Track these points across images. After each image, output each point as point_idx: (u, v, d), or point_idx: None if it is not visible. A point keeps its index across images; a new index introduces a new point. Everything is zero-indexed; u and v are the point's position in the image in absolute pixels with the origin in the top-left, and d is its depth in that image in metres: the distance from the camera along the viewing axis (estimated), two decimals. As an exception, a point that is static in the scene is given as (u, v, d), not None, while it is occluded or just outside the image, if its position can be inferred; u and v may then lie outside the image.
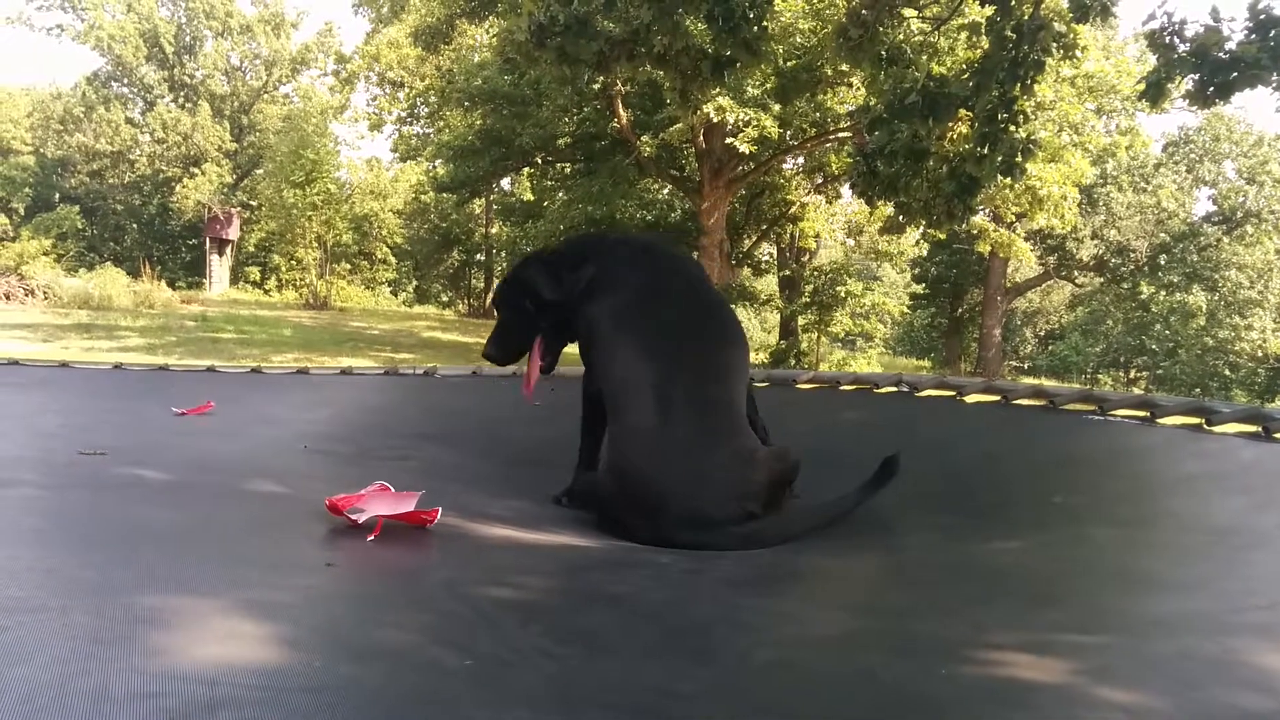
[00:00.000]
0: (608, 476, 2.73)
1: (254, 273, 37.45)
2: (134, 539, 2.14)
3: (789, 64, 17.47)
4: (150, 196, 40.53)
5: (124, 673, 1.32)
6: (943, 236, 21.59)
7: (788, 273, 26.78)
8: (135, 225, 40.94)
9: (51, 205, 38.42)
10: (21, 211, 38.71)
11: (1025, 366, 38.34)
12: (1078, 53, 11.28)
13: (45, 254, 28.16)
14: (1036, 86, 10.48)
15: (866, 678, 1.55)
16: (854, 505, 2.79)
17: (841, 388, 4.94)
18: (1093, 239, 32.30)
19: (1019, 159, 9.99)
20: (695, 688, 1.47)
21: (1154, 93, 9.61)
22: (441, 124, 29.00)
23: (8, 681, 1.24)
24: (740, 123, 16.77)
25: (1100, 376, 34.07)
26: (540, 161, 24.52)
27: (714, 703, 1.42)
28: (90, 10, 39.74)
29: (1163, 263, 32.28)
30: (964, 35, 13.57)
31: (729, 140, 17.61)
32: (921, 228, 16.75)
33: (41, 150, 42.98)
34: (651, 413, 2.73)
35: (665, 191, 24.87)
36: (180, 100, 41.80)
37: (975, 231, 21.79)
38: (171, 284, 31.41)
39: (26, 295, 25.44)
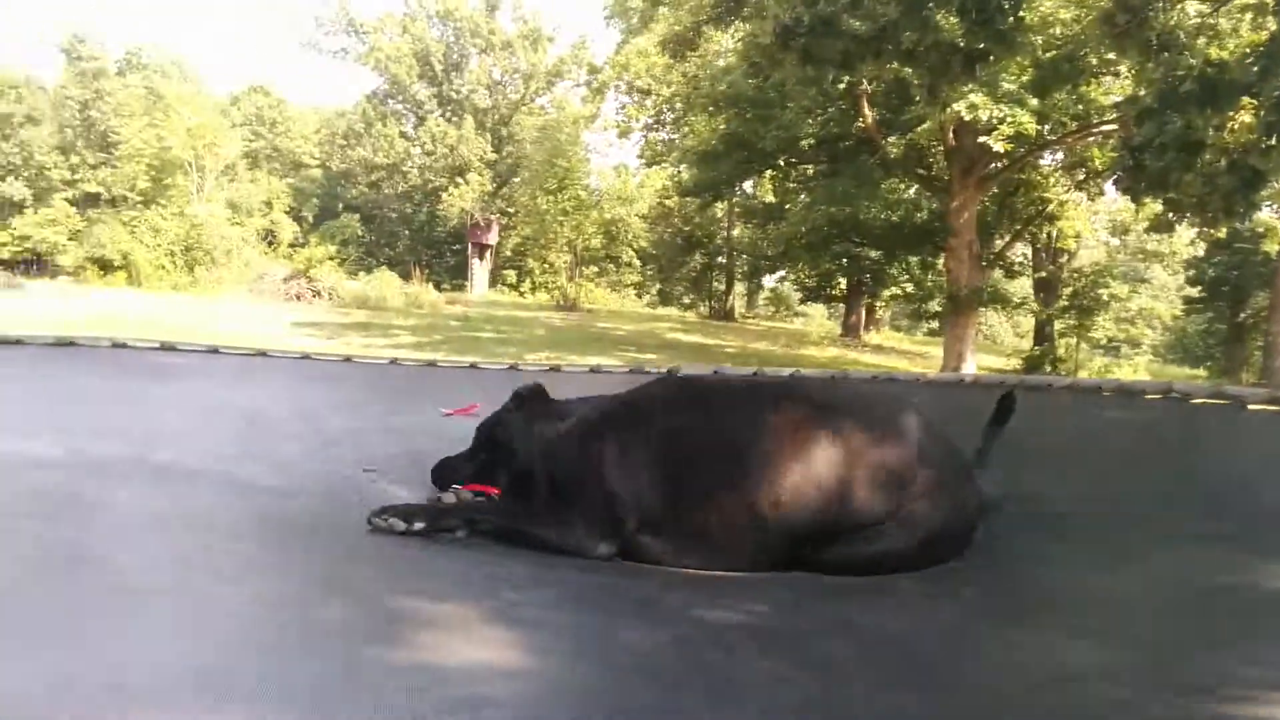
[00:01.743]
0: None
1: (510, 276, 39.42)
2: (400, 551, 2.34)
3: (1048, 55, 16.51)
4: (420, 205, 43.58)
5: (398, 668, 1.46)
6: (1222, 235, 19.77)
7: (1044, 274, 25.36)
8: (407, 232, 44.14)
9: (335, 214, 42.07)
10: (310, 220, 42.59)
11: (1321, 378, 34.43)
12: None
13: (330, 259, 30.84)
14: (1335, 69, 9.41)
15: (1121, 716, 1.46)
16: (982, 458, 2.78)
17: (1104, 394, 4.65)
18: None
19: (1314, 148, 9.02)
20: (935, 716, 1.44)
21: None
22: (686, 129, 29.43)
23: (301, 671, 1.40)
24: (994, 120, 15.99)
25: None
26: (783, 164, 24.38)
27: None
28: (371, 33, 43.33)
29: None
30: (1248, 16, 12.35)
31: (981, 139, 16.85)
32: (1196, 226, 15.40)
33: (327, 164, 47.20)
34: None
35: (911, 191, 24.13)
36: (447, 114, 44.65)
37: (1261, 229, 19.81)
38: (438, 286, 33.54)
39: (314, 296, 27.93)
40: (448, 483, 2.84)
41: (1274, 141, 8.96)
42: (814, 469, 2.42)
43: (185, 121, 31.85)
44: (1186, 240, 24.68)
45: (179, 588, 1.72)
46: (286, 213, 39.62)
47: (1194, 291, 32.78)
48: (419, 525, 2.41)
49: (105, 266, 29.80)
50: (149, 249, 30.13)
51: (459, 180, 40.57)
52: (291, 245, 36.11)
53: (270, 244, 35.78)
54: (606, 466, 2.53)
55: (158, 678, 1.32)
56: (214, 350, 6.20)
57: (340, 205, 43.80)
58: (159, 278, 29.68)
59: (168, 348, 6.02)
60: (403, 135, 44.91)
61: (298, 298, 27.79)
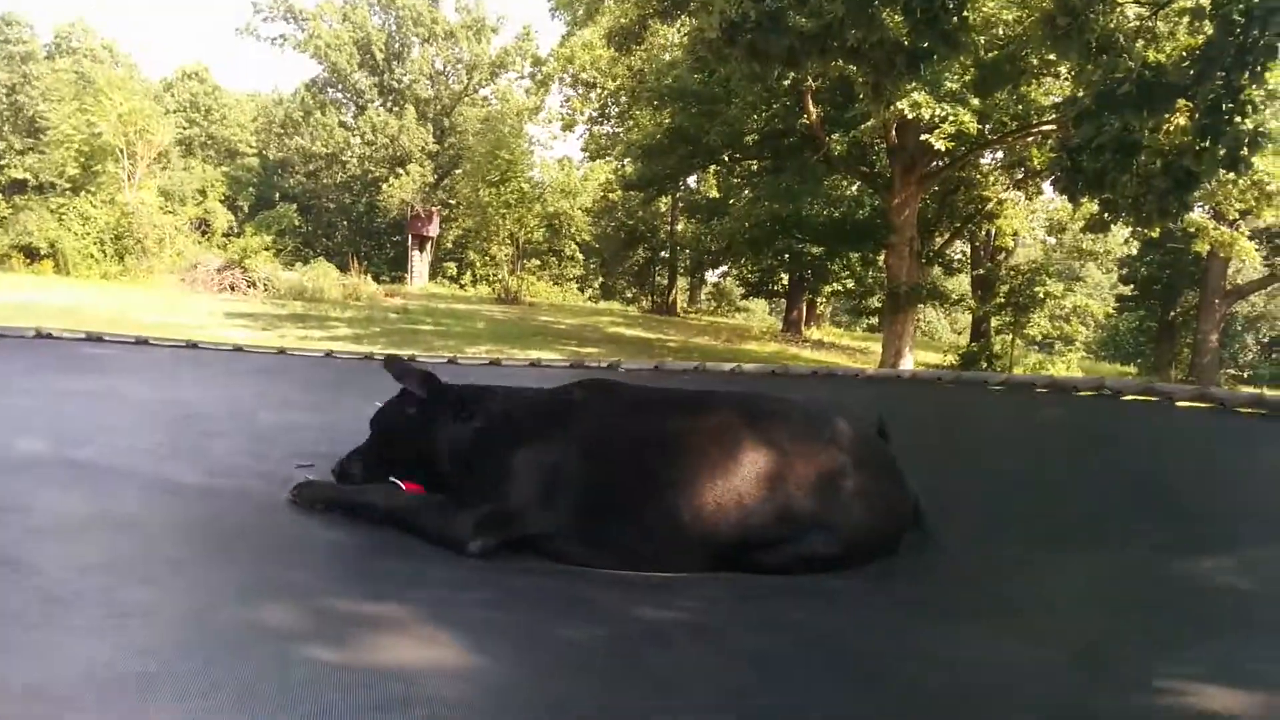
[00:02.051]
0: None
1: (451, 268, 39.18)
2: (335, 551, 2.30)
3: (989, 55, 16.78)
4: (359, 195, 43.09)
5: (332, 667, 1.43)
6: (1155, 235, 20.28)
7: (981, 272, 25.81)
8: (345, 222, 43.62)
9: (272, 204, 41.42)
10: (246, 209, 41.87)
11: (1245, 375, 35.48)
12: (1315, 35, 10.33)
13: (266, 249, 30.33)
14: (1267, 74, 9.66)
15: (1050, 711, 1.47)
16: None
17: (1037, 390, 4.72)
18: (1328, 238, 29.57)
19: (1244, 152, 9.24)
20: (869, 714, 1.45)
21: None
22: (631, 123, 29.44)
23: (229, 673, 1.35)
24: (936, 118, 16.21)
25: (1333, 388, 31.19)
26: (727, 159, 24.49)
27: None
28: (310, 20, 42.64)
29: None
30: (1185, 20, 12.65)
31: (923, 137, 17.07)
32: (1130, 226, 15.76)
33: (264, 152, 46.42)
34: None
35: (854, 188, 24.39)
36: (388, 104, 44.18)
37: (1192, 229, 20.31)
38: (376, 278, 33.19)
39: (249, 287, 27.44)
40: (350, 481, 2.78)
41: (1207, 144, 9.17)
42: (740, 473, 2.41)
43: (116, 107, 31.04)
44: (1120, 240, 25.27)
45: (103, 591, 1.67)
46: (221, 201, 38.88)
47: (1127, 290, 33.63)
48: (319, 507, 2.53)
49: (32, 255, 29.03)
50: (78, 237, 29.40)
51: (399, 171, 40.20)
52: (226, 235, 35.49)
53: (204, 233, 35.06)
54: (514, 469, 2.49)
55: (81, 682, 1.27)
56: (143, 341, 6.04)
57: (277, 195, 43.13)
58: (88, 267, 28.99)
59: (94, 338, 5.86)
60: (342, 125, 44.35)
61: (232, 288, 27.29)
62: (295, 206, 40.49)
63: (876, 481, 2.53)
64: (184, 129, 42.97)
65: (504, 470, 2.50)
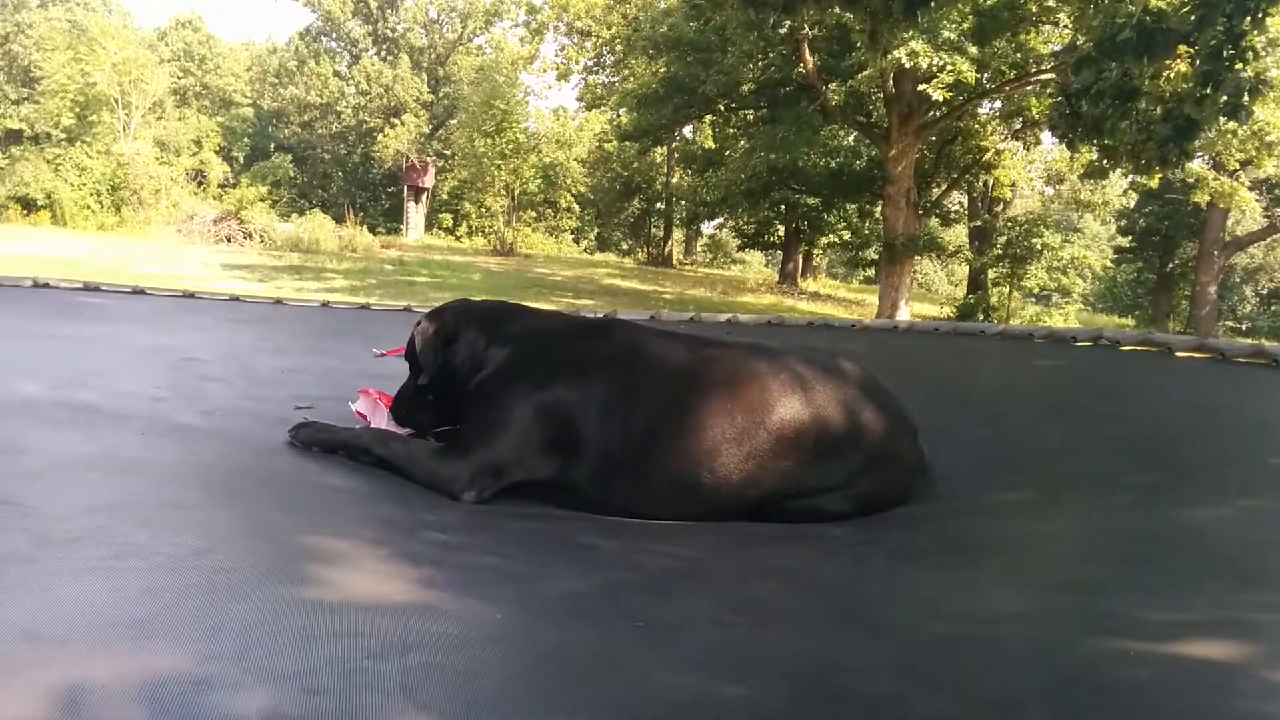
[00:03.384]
0: None
1: (447, 220, 38.92)
2: (333, 495, 2.30)
3: (988, 2, 16.56)
4: (354, 146, 42.70)
5: (330, 612, 1.43)
6: (1154, 185, 20.10)
7: (979, 223, 25.68)
8: (341, 173, 43.27)
9: (267, 154, 41.05)
10: (241, 160, 41.51)
11: (1243, 328, 35.53)
12: (1319, -20, 10.20)
13: (261, 200, 30.11)
14: (1269, 20, 9.55)
15: (1044, 657, 1.47)
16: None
17: (1035, 341, 4.72)
18: (1328, 189, 29.43)
19: (1245, 100, 9.16)
20: (864, 661, 1.45)
21: None
22: (626, 72, 29.12)
23: (228, 616, 1.36)
24: (934, 67, 16.02)
25: (1329, 340, 31.22)
26: (723, 109, 24.26)
27: (882, 676, 1.40)
28: (303, -34, 41.97)
29: None
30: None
31: (921, 86, 16.89)
32: (1129, 175, 15.65)
33: (259, 102, 45.92)
34: None
35: (851, 138, 24.18)
36: (382, 53, 43.64)
37: (1192, 180, 20.18)
38: (372, 229, 32.99)
39: (245, 238, 27.29)
40: (413, 424, 2.76)
41: (1208, 90, 9.09)
42: (775, 424, 2.42)
43: (111, 56, 30.68)
44: (1119, 191, 25.11)
45: (100, 533, 1.66)
46: (216, 152, 38.58)
47: (1124, 241, 33.52)
48: (316, 449, 2.53)
49: (29, 206, 28.86)
50: (74, 188, 29.21)
51: (394, 121, 39.81)
52: (222, 186, 35.23)
53: (200, 184, 34.82)
54: (514, 413, 2.47)
55: (76, 624, 1.27)
56: (140, 291, 6.02)
57: (272, 145, 42.72)
58: (84, 218, 28.84)
59: (91, 288, 5.83)
60: (336, 74, 43.84)
61: (228, 240, 27.13)
62: (290, 157, 40.14)
63: (899, 437, 2.59)
64: (178, 78, 42.46)
65: (503, 414, 2.49)
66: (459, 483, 2.37)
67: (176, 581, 1.49)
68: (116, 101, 31.04)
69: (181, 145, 36.73)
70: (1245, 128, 13.84)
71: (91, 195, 29.45)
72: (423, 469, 2.43)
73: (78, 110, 31.43)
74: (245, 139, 43.79)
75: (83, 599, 1.36)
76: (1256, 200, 23.07)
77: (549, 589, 1.72)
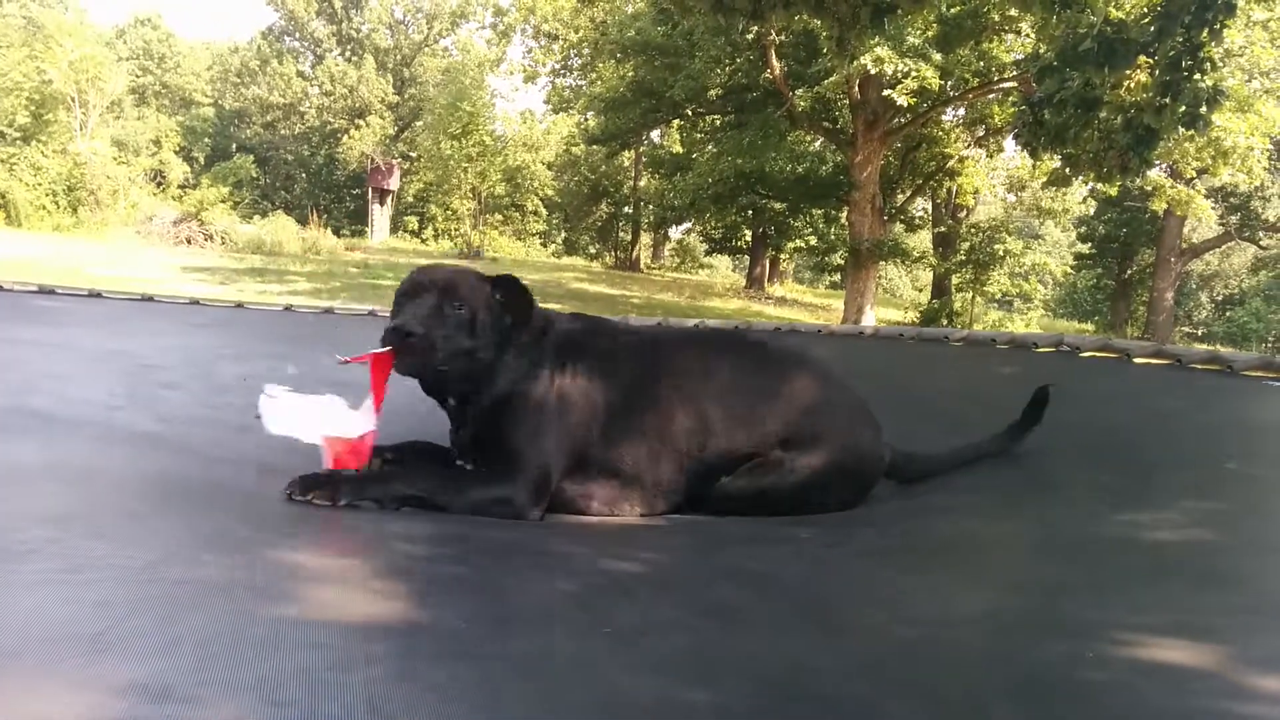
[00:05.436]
0: None
1: (412, 222, 38.70)
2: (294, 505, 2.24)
3: (952, 10, 16.74)
4: (318, 147, 42.35)
5: (291, 625, 1.40)
6: (1113, 193, 20.47)
7: (943, 229, 25.94)
8: (304, 175, 42.90)
9: (228, 155, 40.60)
10: (201, 160, 41.01)
11: (1199, 333, 36.13)
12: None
13: (223, 201, 29.76)
14: (1226, 31, 9.73)
15: (1006, 658, 1.49)
16: (1001, 448, 2.88)
17: (998, 346, 4.76)
18: (1281, 197, 30.03)
19: (1204, 109, 9.34)
20: (831, 662, 1.46)
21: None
22: (594, 76, 29.12)
23: (187, 628, 1.32)
24: (899, 74, 16.17)
25: (1284, 346, 31.81)
26: (690, 114, 24.35)
27: (849, 678, 1.40)
28: (265, -35, 41.57)
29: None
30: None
31: (886, 92, 17.04)
32: (1090, 183, 15.88)
33: (220, 102, 45.41)
34: None
35: (817, 144, 24.34)
36: (347, 54, 43.34)
37: (1150, 188, 20.51)
38: (336, 232, 32.76)
39: (206, 240, 26.97)
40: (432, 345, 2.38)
41: (1168, 100, 9.25)
42: (737, 406, 2.53)
43: (68, 54, 30.20)
44: (1079, 198, 25.45)
45: (53, 544, 1.62)
46: (176, 152, 38.08)
47: (1084, 248, 33.97)
48: (343, 501, 2.18)
49: (-18, 205, 28.30)
50: (29, 188, 28.66)
51: (359, 122, 39.55)
52: (182, 186, 34.81)
53: (159, 185, 34.36)
54: (564, 426, 2.44)
55: (29, 636, 1.24)
56: (96, 294, 5.92)
57: (234, 146, 42.29)
58: (40, 218, 28.31)
59: (46, 291, 5.73)
60: (300, 74, 43.49)
61: (188, 241, 26.80)
62: (252, 158, 39.71)
63: (851, 423, 2.65)
64: (137, 77, 41.92)
65: (546, 426, 2.44)
66: (528, 503, 2.33)
67: (133, 594, 1.46)
68: (73, 100, 30.57)
69: (140, 145, 36.24)
70: (1202, 136, 14.08)
71: (47, 195, 28.95)
72: (481, 496, 2.32)
73: (33, 108, 30.88)
74: (206, 139, 43.29)
75: (35, 612, 1.33)
76: (1212, 208, 23.52)
77: (516, 597, 1.71)
